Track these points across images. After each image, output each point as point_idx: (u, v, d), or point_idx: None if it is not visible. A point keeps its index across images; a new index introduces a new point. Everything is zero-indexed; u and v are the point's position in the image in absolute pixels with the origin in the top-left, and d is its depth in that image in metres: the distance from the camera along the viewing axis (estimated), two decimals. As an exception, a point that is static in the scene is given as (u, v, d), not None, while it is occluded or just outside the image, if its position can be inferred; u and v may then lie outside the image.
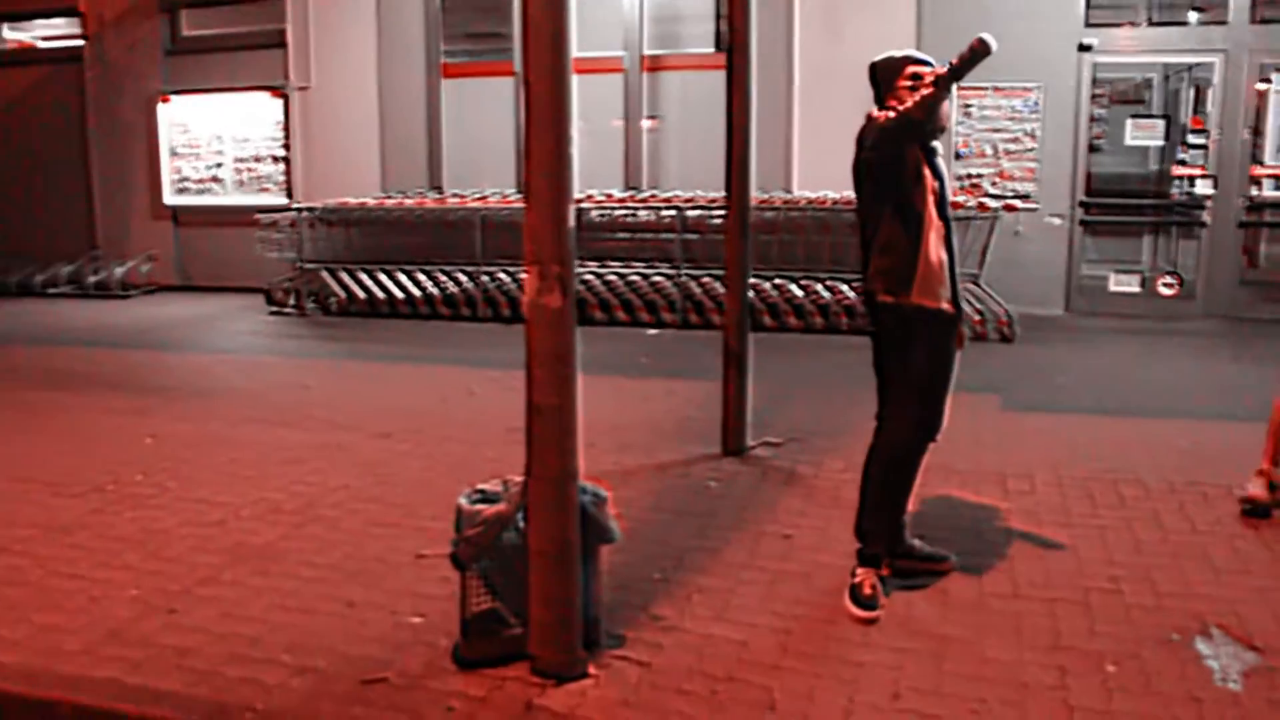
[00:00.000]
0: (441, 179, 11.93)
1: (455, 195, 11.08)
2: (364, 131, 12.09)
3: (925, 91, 3.78)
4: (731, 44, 5.63)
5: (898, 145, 3.94)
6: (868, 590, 4.06)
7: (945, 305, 4.06)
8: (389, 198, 11.23)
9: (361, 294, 10.72)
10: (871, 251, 4.09)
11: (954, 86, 3.83)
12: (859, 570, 4.14)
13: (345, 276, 10.83)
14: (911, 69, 4.06)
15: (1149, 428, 6.53)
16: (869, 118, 4.11)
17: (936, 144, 4.08)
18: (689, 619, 3.97)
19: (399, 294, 10.57)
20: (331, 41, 12.15)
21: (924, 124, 3.88)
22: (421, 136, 11.98)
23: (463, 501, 3.57)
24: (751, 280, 9.16)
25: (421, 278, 10.55)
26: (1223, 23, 9.84)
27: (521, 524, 3.44)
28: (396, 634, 3.86)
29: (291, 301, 11.12)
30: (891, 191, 3.99)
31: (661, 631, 3.87)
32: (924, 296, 4.01)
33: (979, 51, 3.62)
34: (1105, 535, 4.80)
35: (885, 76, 4.12)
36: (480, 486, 3.66)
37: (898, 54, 4.16)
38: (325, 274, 10.96)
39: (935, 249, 4.02)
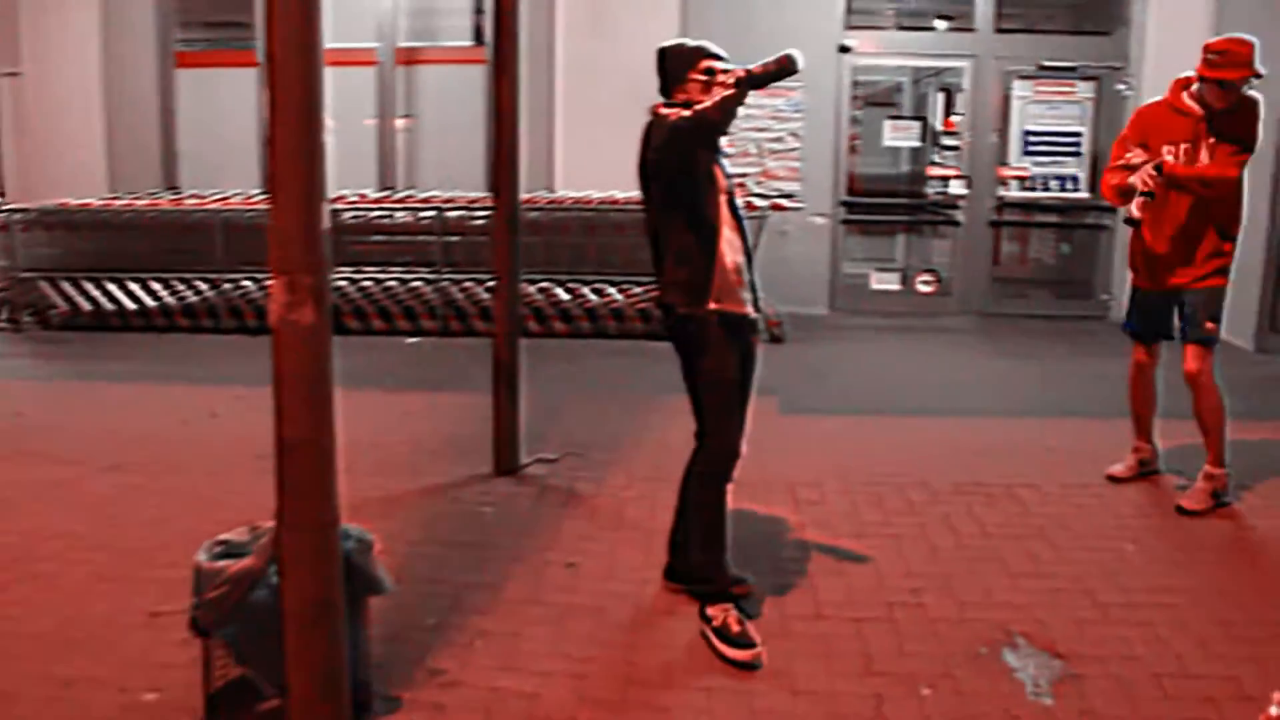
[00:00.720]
0: (178, 178, 10.94)
1: (194, 196, 10.14)
2: (87, 125, 10.90)
3: (726, 93, 3.51)
4: (498, 34, 5.20)
5: (690, 147, 3.66)
6: (736, 628, 3.71)
7: (747, 309, 3.83)
8: (117, 198, 10.18)
9: (88, 306, 9.65)
10: (666, 261, 3.81)
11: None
12: (711, 610, 3.77)
13: (68, 286, 9.73)
14: (706, 63, 3.78)
15: (926, 427, 6.52)
16: (655, 113, 3.79)
17: (723, 141, 3.82)
18: (472, 671, 3.53)
19: (131, 305, 9.57)
20: (47, 23, 10.92)
21: (721, 127, 3.65)
22: (154, 131, 10.94)
23: (201, 558, 3.01)
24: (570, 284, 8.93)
25: (157, 287, 9.57)
26: (971, 30, 10.12)
27: (274, 580, 2.93)
28: (126, 717, 3.26)
29: (4, 315, 9.94)
30: (684, 196, 3.72)
31: (442, 688, 3.41)
32: (725, 302, 3.75)
33: (785, 69, 3.50)
34: (900, 544, 4.67)
35: (676, 66, 3.83)
36: (223, 537, 3.11)
37: (690, 43, 3.87)
38: (44, 284, 9.83)
39: (731, 253, 3.77)
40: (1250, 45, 4.77)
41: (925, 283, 10.50)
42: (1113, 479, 5.41)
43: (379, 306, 9.14)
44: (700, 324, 3.75)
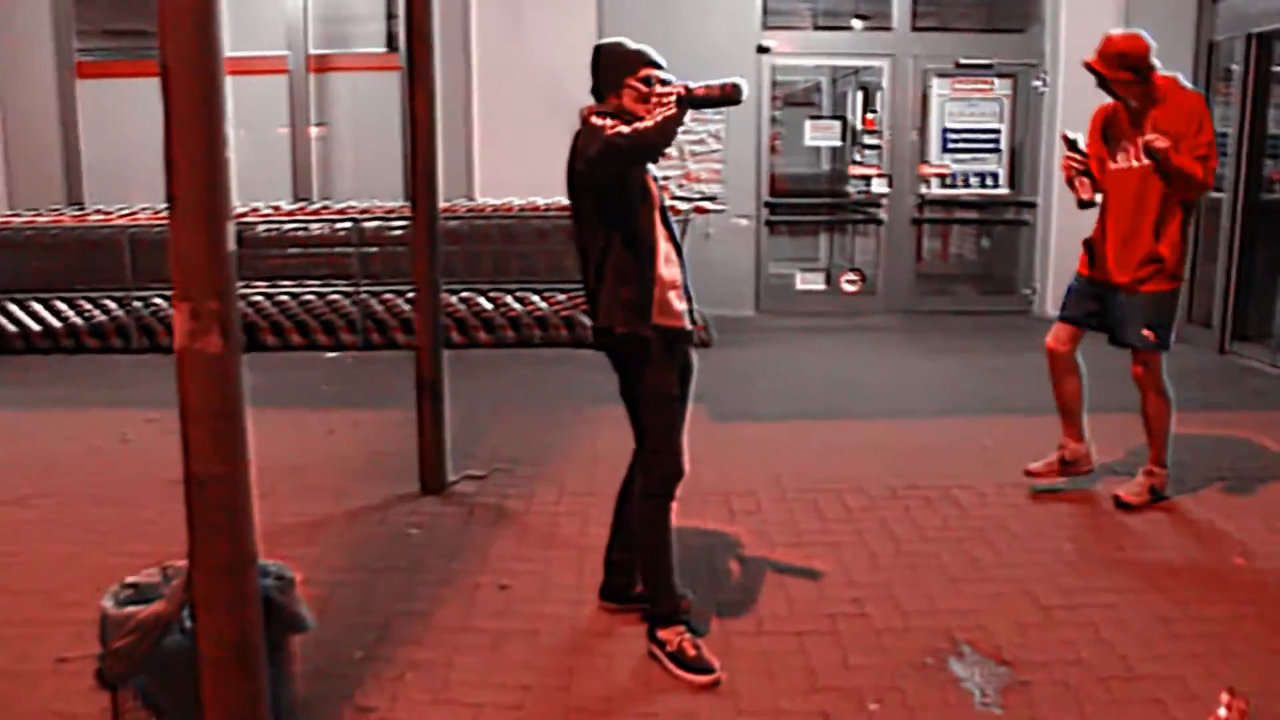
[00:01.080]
0: (82, 193, 10.54)
1: (99, 211, 9.76)
2: (-20, 140, 10.48)
3: (667, 112, 3.35)
4: (411, 40, 5.02)
5: (626, 168, 3.50)
6: (692, 651, 3.58)
7: (685, 323, 3.70)
8: (16, 215, 9.77)
9: (-11, 328, 9.26)
10: (603, 280, 3.60)
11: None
12: (664, 634, 3.63)
13: (-34, 309, 9.33)
14: (646, 71, 3.60)
15: (858, 430, 6.47)
16: (586, 121, 3.58)
17: None
18: (403, 706, 3.36)
19: (35, 326, 9.18)
20: (-67, 33, 10.48)
21: (661, 149, 3.48)
22: (55, 145, 10.49)
23: (108, 605, 2.81)
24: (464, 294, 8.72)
25: (62, 306, 9.20)
26: (888, 29, 10.12)
27: (188, 624, 2.74)
28: (29, 774, 3.05)
29: (-102, 341, 9.48)
30: (618, 214, 3.56)
31: (371, 728, 3.26)
32: (665, 318, 3.61)
33: (729, 98, 3.44)
34: (840, 552, 4.59)
35: (613, 68, 3.63)
36: (132, 580, 2.92)
37: (630, 45, 3.68)
38: (-60, 306, 9.40)
39: (669, 268, 3.63)
40: (1127, 41, 4.80)
41: (850, 282, 10.49)
42: (1030, 476, 5.24)
43: (296, 321, 8.86)
44: (641, 342, 3.60)
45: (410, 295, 8.65)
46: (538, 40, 9.39)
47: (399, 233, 8.60)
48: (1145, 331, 4.88)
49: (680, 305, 3.67)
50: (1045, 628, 3.94)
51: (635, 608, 3.87)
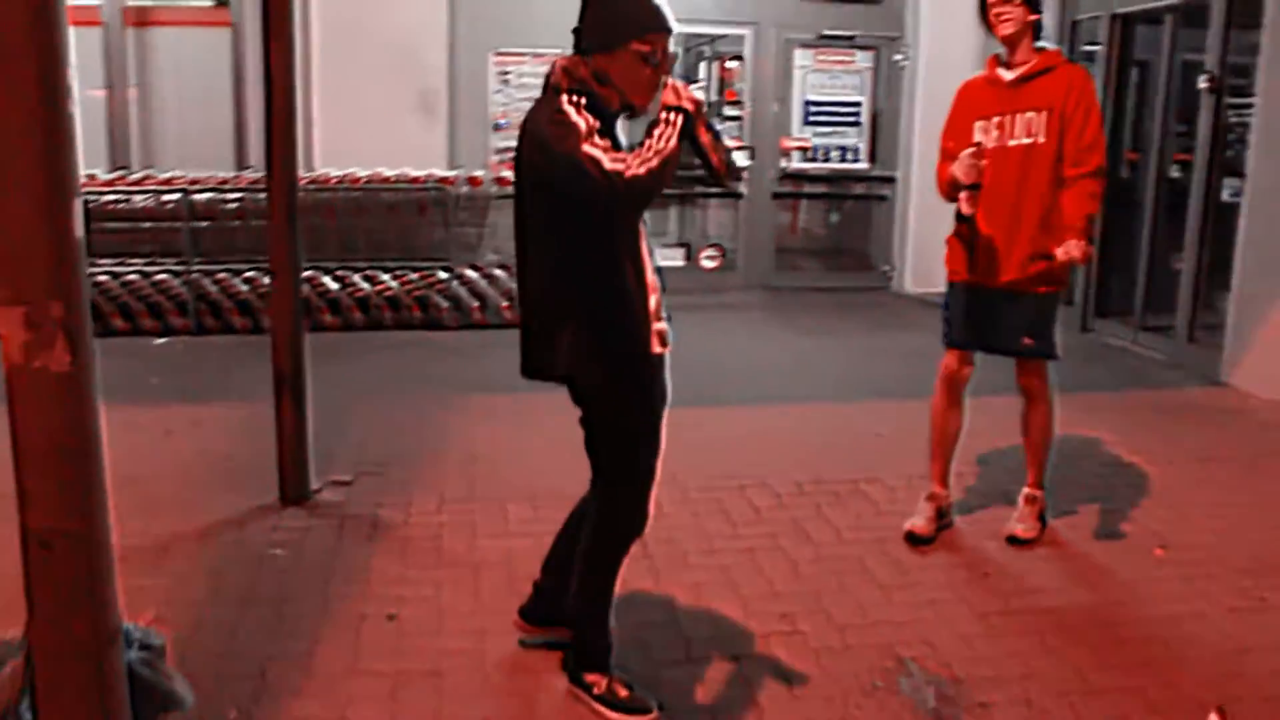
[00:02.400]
0: None
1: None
2: None
3: (668, 146, 2.71)
4: (266, -17, 4.37)
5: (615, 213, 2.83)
6: (624, 692, 3.10)
7: (667, 348, 3.06)
8: None
9: None
10: (565, 318, 2.92)
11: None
12: (591, 677, 3.14)
13: None
14: (656, 40, 2.83)
15: (746, 419, 6.11)
16: (557, 94, 2.82)
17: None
18: (293, 780, 2.82)
19: None
20: None
21: (657, 194, 2.83)
22: None
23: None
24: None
25: None
26: (749, -4, 9.79)
27: (27, 716, 2.13)
28: None
29: None
30: (591, 224, 2.84)
31: (258, 812, 2.70)
32: (660, 345, 3.02)
33: (732, 168, 3.02)
34: (756, 559, 4.21)
35: (615, 21, 2.85)
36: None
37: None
38: None
39: (653, 291, 2.99)
40: None
41: (710, 258, 10.15)
42: (915, 537, 4.39)
43: (119, 304, 7.92)
44: (630, 381, 3.00)
45: (247, 274, 7.92)
46: (384, -4, 8.69)
47: (234, 206, 7.81)
48: (1026, 339, 4.26)
49: (666, 321, 3.04)
50: (989, 638, 3.66)
51: (554, 636, 3.39)
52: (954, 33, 9.70)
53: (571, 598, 3.20)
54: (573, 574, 3.22)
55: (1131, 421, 6.16)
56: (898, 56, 9.95)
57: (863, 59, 9.99)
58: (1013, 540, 4.39)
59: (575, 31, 2.90)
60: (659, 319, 2.97)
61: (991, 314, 4.29)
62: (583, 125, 2.72)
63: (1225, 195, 7.28)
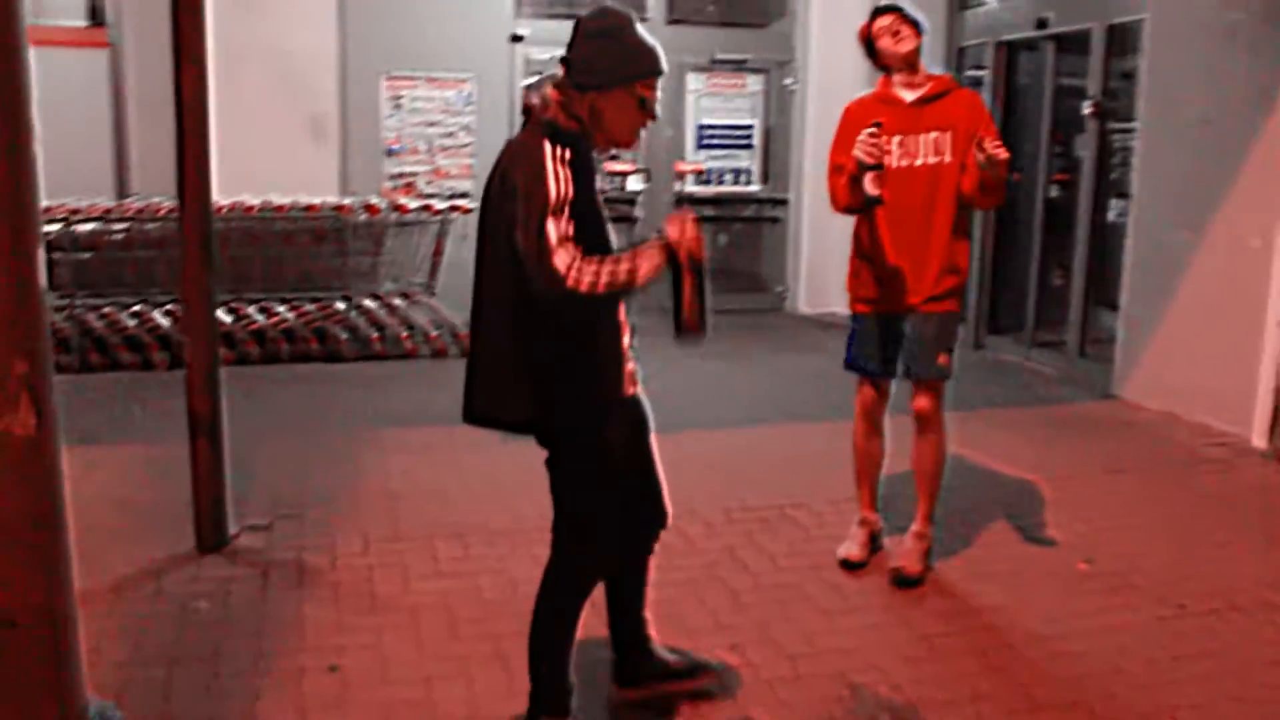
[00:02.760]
0: None
1: None
2: None
3: (631, 281, 2.65)
4: (177, 7, 4.19)
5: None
6: None
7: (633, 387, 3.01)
8: None
9: None
10: (535, 370, 2.81)
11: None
12: None
13: None
14: (654, 83, 2.78)
15: (662, 445, 5.92)
16: (535, 148, 2.66)
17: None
18: None
19: None
20: None
21: (587, 312, 2.77)
22: None
23: None
24: (168, 306, 7.62)
25: None
26: (644, 19, 9.75)
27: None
28: None
29: None
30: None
31: None
32: (632, 385, 2.99)
33: (699, 325, 2.83)
34: (697, 589, 4.17)
35: (617, 59, 2.73)
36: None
37: (643, 33, 2.76)
38: None
39: (625, 323, 2.94)
40: None
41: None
42: (849, 563, 4.38)
43: (-7, 340, 7.54)
44: (602, 427, 2.92)
45: (135, 307, 7.61)
46: (274, 19, 8.45)
47: (120, 236, 7.48)
48: (941, 358, 4.20)
49: (634, 359, 2.99)
50: (934, 660, 3.70)
51: (663, 686, 3.31)
52: (842, 57, 9.89)
53: (531, 640, 3.08)
54: (636, 622, 3.16)
55: (1032, 437, 6.32)
56: (788, 80, 10.08)
57: (754, 82, 10.10)
58: (902, 580, 4.26)
59: (565, 61, 2.77)
60: (629, 358, 2.89)
61: (905, 337, 4.25)
62: (552, 195, 2.60)
63: (1111, 216, 7.54)
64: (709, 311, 2.80)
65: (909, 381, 4.31)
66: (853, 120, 4.16)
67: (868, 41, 4.21)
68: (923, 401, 4.28)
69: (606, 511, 2.99)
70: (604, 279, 2.59)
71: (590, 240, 2.67)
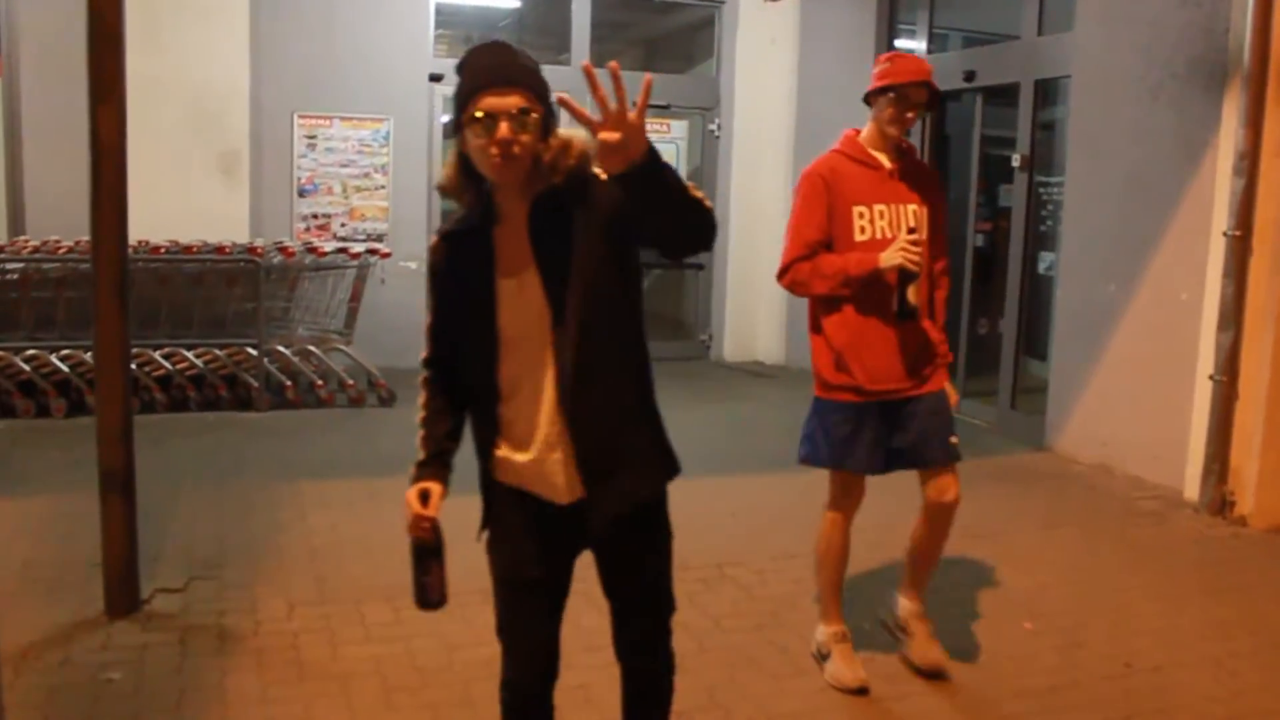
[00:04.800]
0: None
1: None
2: None
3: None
4: (95, 39, 4.06)
5: None
6: None
7: None
8: None
9: None
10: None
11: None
12: None
13: None
14: (479, 107, 2.29)
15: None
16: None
17: None
18: None
19: None
20: None
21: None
22: None
23: None
24: (65, 351, 7.35)
25: None
26: (566, 64, 9.76)
27: None
28: None
29: None
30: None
31: None
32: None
33: None
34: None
35: (457, 95, 2.36)
36: None
37: (480, 55, 2.37)
38: None
39: None
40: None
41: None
42: (859, 690, 3.88)
43: None
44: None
45: (28, 351, 7.33)
46: (180, 52, 8.31)
47: (15, 276, 7.21)
48: (952, 438, 3.87)
49: None
50: (891, 728, 3.67)
51: None
52: (761, 103, 10.07)
53: None
54: None
55: (968, 491, 6.19)
56: (712, 126, 10.16)
57: (678, 128, 10.16)
58: (939, 674, 4.00)
59: None
60: None
61: (904, 425, 3.85)
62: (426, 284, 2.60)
63: (1042, 268, 7.71)
64: None
65: (915, 469, 3.94)
66: (830, 186, 3.76)
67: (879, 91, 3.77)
68: (952, 490, 3.89)
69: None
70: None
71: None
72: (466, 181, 2.42)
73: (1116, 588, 4.95)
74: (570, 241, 2.37)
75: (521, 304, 2.40)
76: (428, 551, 2.52)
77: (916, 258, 3.60)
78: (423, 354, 2.64)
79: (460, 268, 2.47)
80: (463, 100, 2.31)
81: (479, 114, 2.26)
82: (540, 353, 2.40)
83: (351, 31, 9.01)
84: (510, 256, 2.41)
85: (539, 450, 2.45)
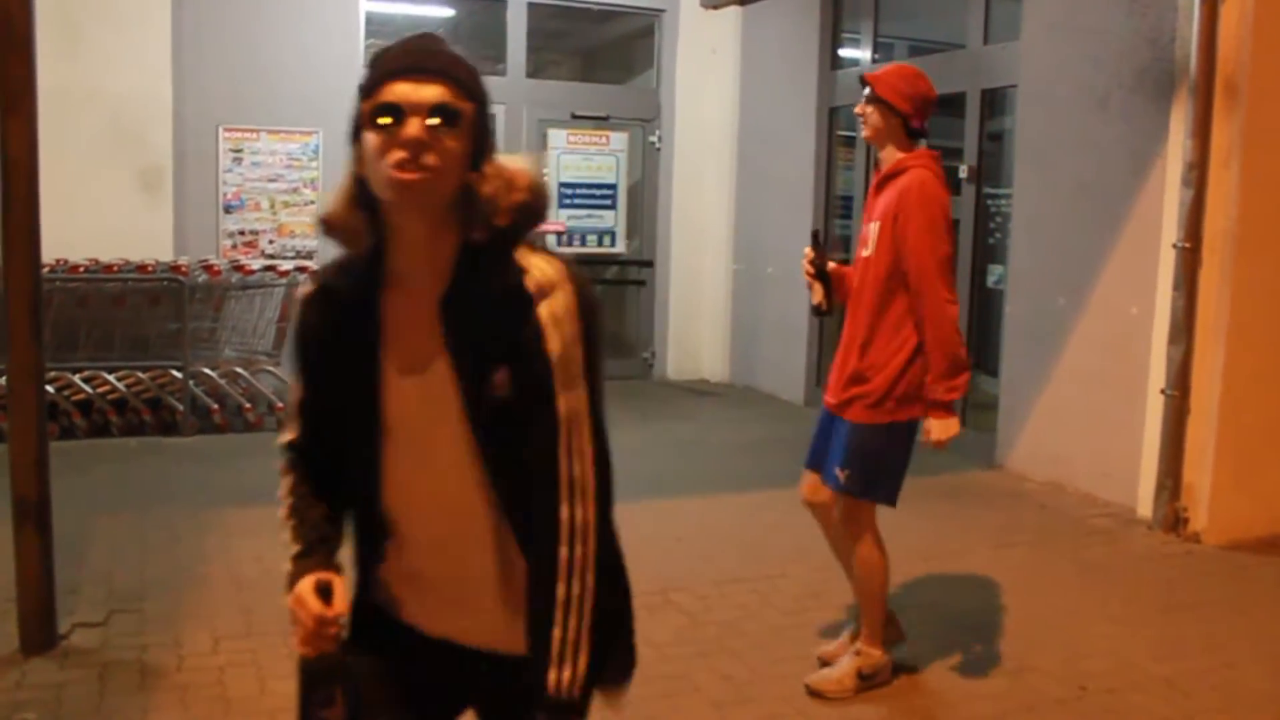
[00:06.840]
0: None
1: None
2: None
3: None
4: (6, 59, 4.00)
5: None
6: None
7: None
8: None
9: None
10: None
11: None
12: None
13: None
14: (374, 107, 1.72)
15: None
16: None
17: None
18: None
19: None
20: None
21: None
22: None
23: None
24: None
25: None
26: (501, 75, 9.77)
27: None
28: None
29: None
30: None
31: None
32: None
33: None
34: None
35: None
36: None
37: (382, 53, 1.79)
38: None
39: None
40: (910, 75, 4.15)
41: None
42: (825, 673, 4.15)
43: None
44: None
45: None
46: (98, 61, 8.20)
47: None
48: (838, 470, 3.97)
49: None
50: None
51: None
52: (708, 115, 10.14)
53: None
54: None
55: (920, 510, 6.34)
56: (653, 138, 10.21)
57: (618, 140, 10.20)
58: (811, 691, 4.09)
59: None
60: None
61: (825, 436, 4.11)
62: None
63: (991, 281, 7.81)
64: None
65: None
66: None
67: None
68: (830, 506, 4.13)
69: None
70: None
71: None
72: (360, 215, 1.80)
73: (1069, 608, 5.02)
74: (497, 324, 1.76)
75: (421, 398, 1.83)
76: (331, 671, 1.79)
77: (805, 264, 4.03)
78: (285, 436, 1.99)
79: (339, 334, 1.87)
80: (364, 94, 1.74)
81: (382, 102, 1.69)
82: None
83: (279, 41, 8.94)
84: (408, 331, 1.82)
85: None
